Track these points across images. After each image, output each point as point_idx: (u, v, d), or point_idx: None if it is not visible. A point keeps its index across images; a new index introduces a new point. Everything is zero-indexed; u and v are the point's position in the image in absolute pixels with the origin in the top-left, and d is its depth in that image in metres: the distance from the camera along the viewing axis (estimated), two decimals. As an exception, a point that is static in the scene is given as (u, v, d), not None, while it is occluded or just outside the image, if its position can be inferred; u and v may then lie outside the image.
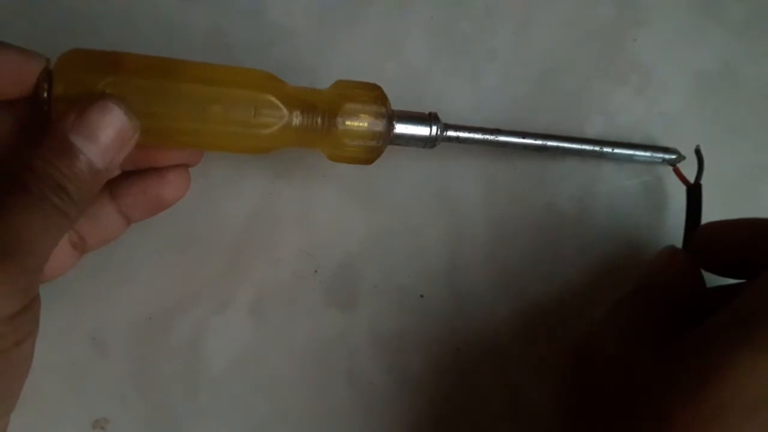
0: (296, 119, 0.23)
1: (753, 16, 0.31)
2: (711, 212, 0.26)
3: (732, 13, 0.31)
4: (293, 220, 0.28)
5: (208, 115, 0.22)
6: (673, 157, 0.28)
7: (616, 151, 0.28)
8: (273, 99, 0.23)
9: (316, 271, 0.28)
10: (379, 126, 0.24)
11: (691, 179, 0.27)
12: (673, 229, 0.29)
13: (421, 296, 0.28)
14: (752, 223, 0.23)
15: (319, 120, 0.24)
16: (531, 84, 0.30)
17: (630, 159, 0.28)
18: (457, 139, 0.26)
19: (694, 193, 0.26)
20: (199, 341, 0.27)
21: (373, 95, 0.24)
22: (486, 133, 0.26)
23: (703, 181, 0.27)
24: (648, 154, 0.28)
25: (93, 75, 0.21)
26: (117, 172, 0.25)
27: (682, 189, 0.27)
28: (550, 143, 0.27)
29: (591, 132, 0.30)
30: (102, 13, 0.28)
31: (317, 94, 0.24)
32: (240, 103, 0.22)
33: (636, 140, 0.30)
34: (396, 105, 0.25)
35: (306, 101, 0.23)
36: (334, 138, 0.24)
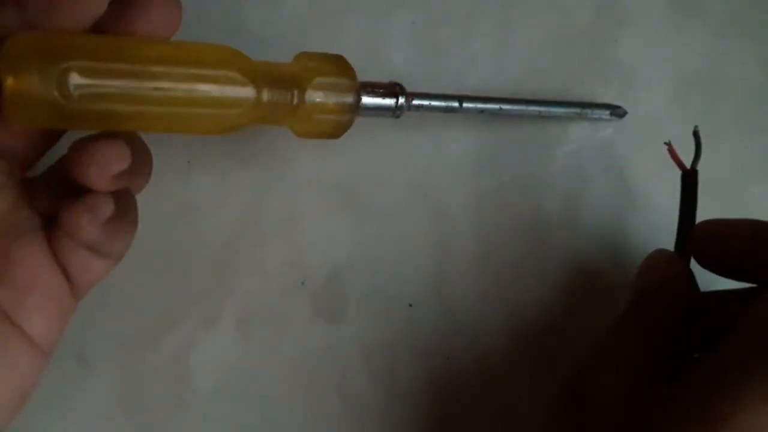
0: (264, 96, 0.22)
1: (735, 15, 0.31)
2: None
3: (713, 12, 0.31)
4: (279, 231, 0.28)
5: (170, 97, 0.21)
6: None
7: (564, 110, 0.29)
8: (239, 76, 0.21)
9: (303, 283, 0.27)
10: (349, 98, 0.24)
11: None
12: (661, 228, 0.29)
13: (410, 305, 0.28)
14: (752, 225, 0.22)
15: (288, 95, 0.23)
16: (513, 88, 0.30)
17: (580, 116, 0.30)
18: (422, 107, 0.26)
19: (689, 180, 0.25)
20: (186, 357, 0.26)
21: (340, 67, 0.24)
22: (449, 100, 0.27)
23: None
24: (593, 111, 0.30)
25: (45, 62, 0.19)
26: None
27: (670, 189, 0.27)
28: (508, 107, 0.28)
29: (574, 134, 0.30)
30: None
31: (283, 68, 0.23)
32: (205, 82, 0.21)
33: (620, 140, 0.30)
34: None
35: (273, 76, 0.22)
36: (303, 113, 0.23)
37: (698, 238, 0.24)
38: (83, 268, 0.21)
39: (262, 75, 0.22)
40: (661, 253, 0.25)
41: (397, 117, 0.26)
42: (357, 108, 0.24)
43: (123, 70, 0.20)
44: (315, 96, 0.23)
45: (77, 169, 0.19)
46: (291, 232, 0.28)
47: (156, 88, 0.20)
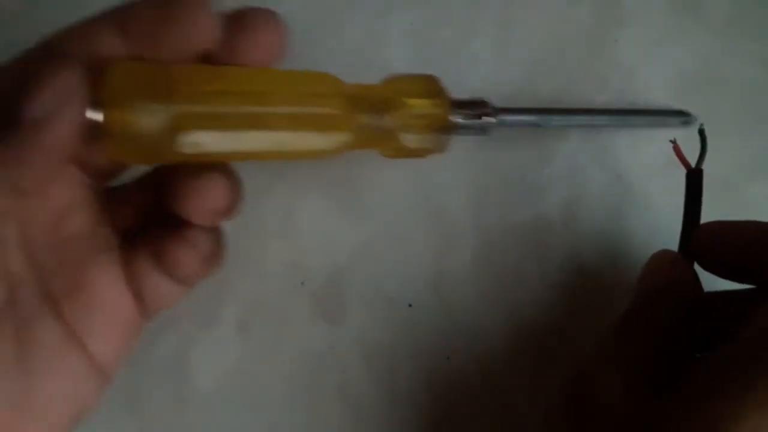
0: (361, 129, 0.22)
1: (734, 15, 0.31)
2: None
3: (713, 12, 0.31)
4: (278, 232, 0.28)
5: (275, 142, 0.20)
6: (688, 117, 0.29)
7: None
8: (341, 114, 0.21)
9: (303, 283, 0.27)
10: (442, 123, 0.23)
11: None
12: (661, 228, 0.29)
13: (410, 305, 0.27)
14: (757, 227, 0.22)
15: (383, 123, 0.22)
16: (513, 88, 0.30)
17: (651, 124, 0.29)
18: (512, 123, 0.26)
19: (694, 179, 0.25)
20: (185, 359, 0.26)
21: (434, 90, 0.23)
22: (536, 114, 0.26)
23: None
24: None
25: (148, 102, 0.18)
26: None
27: (670, 189, 0.27)
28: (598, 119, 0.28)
29: (574, 135, 0.30)
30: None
31: (377, 93, 0.22)
32: (310, 126, 0.20)
33: (620, 140, 0.30)
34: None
35: (369, 104, 0.22)
36: (397, 139, 0.23)
37: (701, 239, 0.24)
38: (158, 293, 0.21)
39: (359, 104, 0.22)
40: (665, 253, 0.24)
41: (485, 135, 0.25)
42: (451, 130, 0.24)
43: (229, 117, 0.19)
44: (409, 123, 0.22)
45: (182, 203, 0.19)
46: (290, 233, 0.28)
47: (261, 132, 0.20)
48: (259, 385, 0.26)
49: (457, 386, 0.27)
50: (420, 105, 0.23)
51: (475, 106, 0.24)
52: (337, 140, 0.21)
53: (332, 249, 0.28)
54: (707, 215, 0.25)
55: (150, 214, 0.21)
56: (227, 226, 0.27)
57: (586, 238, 0.29)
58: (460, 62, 0.30)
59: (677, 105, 0.30)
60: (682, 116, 0.29)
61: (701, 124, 0.26)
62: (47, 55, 0.17)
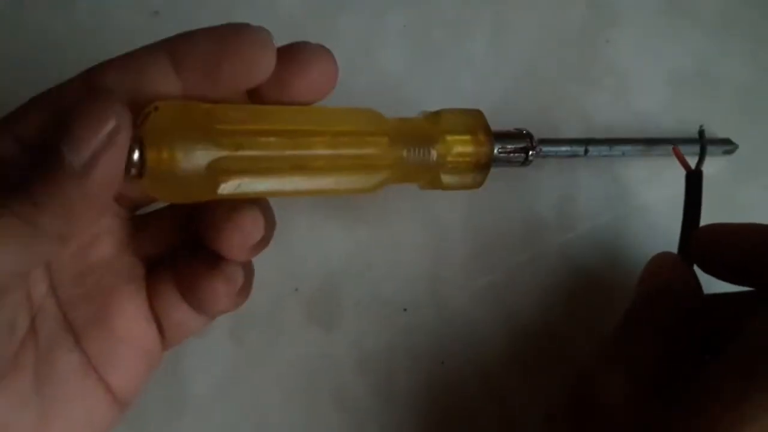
0: (402, 161, 0.21)
1: (726, 15, 0.31)
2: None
3: (705, 12, 0.31)
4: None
5: (318, 186, 0.20)
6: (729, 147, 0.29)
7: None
8: (383, 152, 0.21)
9: (296, 290, 0.27)
10: (483, 160, 0.23)
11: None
12: (659, 229, 0.29)
13: (405, 310, 0.27)
14: (757, 229, 0.22)
15: (425, 158, 0.22)
16: (507, 90, 0.30)
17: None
18: (551, 154, 0.26)
19: (693, 181, 0.25)
20: (179, 366, 0.26)
21: (477, 124, 0.23)
22: (575, 144, 0.26)
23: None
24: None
25: (191, 145, 0.17)
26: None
27: (667, 190, 0.27)
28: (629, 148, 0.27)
29: (569, 133, 0.30)
30: (67, 30, 0.28)
31: (418, 129, 0.22)
32: (352, 165, 0.20)
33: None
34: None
35: (411, 139, 0.21)
36: (437, 175, 0.22)
37: (701, 241, 0.24)
38: (181, 324, 0.21)
39: (402, 141, 0.21)
40: (664, 255, 0.24)
41: (527, 166, 0.25)
42: (490, 166, 0.23)
43: (271, 161, 0.19)
44: (450, 159, 0.22)
45: (220, 239, 0.18)
46: (284, 238, 0.27)
47: (303, 176, 0.20)
48: (254, 391, 0.26)
49: (455, 389, 0.27)
50: (461, 141, 0.22)
51: (517, 139, 0.24)
52: (378, 179, 0.21)
53: (327, 254, 0.28)
54: (702, 215, 0.25)
55: (174, 242, 0.21)
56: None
57: (583, 238, 0.29)
58: (454, 63, 0.30)
59: (671, 105, 0.30)
60: (724, 145, 0.29)
61: (701, 126, 0.26)
62: (90, 94, 0.16)
